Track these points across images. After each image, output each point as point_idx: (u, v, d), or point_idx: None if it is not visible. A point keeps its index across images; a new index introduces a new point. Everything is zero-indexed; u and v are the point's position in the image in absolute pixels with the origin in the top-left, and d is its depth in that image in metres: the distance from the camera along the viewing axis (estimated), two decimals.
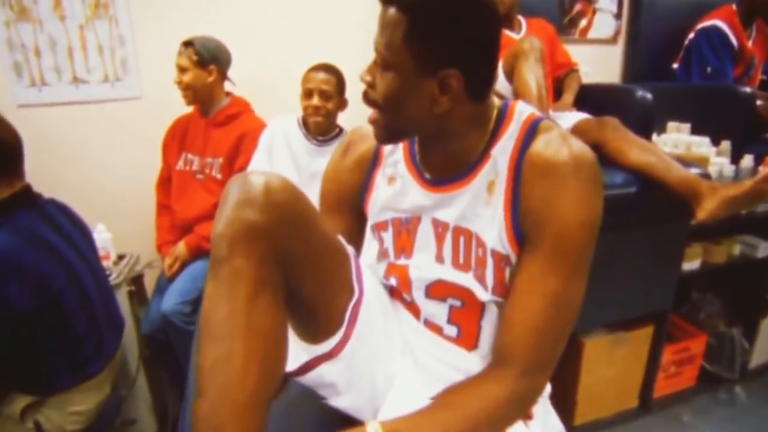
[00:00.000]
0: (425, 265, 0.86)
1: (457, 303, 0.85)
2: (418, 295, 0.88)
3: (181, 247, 1.82)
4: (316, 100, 1.70)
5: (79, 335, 1.22)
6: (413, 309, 0.90)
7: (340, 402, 0.84)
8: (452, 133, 0.78)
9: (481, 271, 0.80)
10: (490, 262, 0.79)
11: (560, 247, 0.73)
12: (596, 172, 0.74)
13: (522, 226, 0.75)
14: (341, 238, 0.84)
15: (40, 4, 1.93)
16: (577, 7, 2.73)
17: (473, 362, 0.84)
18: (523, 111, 0.80)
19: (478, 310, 0.83)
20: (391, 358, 0.88)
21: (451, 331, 0.86)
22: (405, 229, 0.87)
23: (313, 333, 0.79)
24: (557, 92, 2.23)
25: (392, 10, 0.69)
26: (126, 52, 2.05)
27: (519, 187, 0.75)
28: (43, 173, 2.15)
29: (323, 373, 0.79)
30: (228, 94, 1.95)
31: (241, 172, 0.74)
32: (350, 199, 0.95)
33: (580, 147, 0.74)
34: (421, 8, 0.67)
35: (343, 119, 1.90)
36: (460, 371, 0.83)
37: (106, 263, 1.94)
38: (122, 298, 1.80)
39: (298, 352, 0.78)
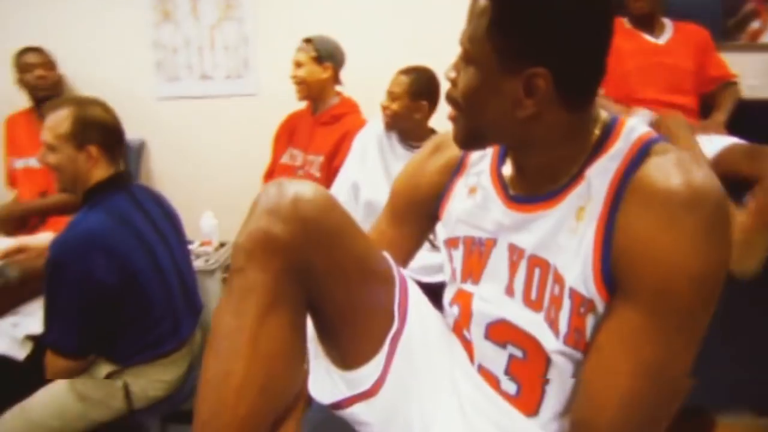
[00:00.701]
0: (492, 297, 0.73)
1: (519, 353, 0.70)
2: (477, 333, 0.75)
3: None
4: (383, 100, 1.67)
5: (154, 316, 1.29)
6: (469, 349, 0.77)
7: None
8: (539, 145, 0.65)
9: (555, 313, 0.65)
10: (566, 303, 0.63)
11: (661, 303, 0.56)
12: (721, 211, 0.56)
13: (614, 266, 0.59)
14: (389, 260, 0.74)
15: (180, 7, 2.14)
16: (748, 6, 2.27)
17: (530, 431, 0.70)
18: (635, 129, 0.64)
19: (541, 366, 0.68)
20: (433, 401, 0.76)
21: (510, 387, 0.71)
22: (477, 251, 0.76)
23: (343, 358, 0.71)
24: (706, 110, 1.87)
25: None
26: (248, 52, 2.18)
27: (615, 218, 0.59)
28: (167, 158, 2.41)
29: (357, 412, 0.70)
30: (338, 94, 1.97)
31: (277, 179, 0.69)
32: (425, 204, 0.85)
33: (703, 176, 0.57)
34: None
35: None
36: None
37: (207, 248, 2.09)
38: (215, 283, 1.90)
39: (331, 382, 0.71)
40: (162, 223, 1.37)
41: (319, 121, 1.93)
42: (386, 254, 0.75)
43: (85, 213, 1.23)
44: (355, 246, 0.68)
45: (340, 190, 1.70)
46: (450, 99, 0.68)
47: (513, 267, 0.70)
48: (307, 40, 1.86)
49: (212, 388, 0.60)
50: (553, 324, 0.65)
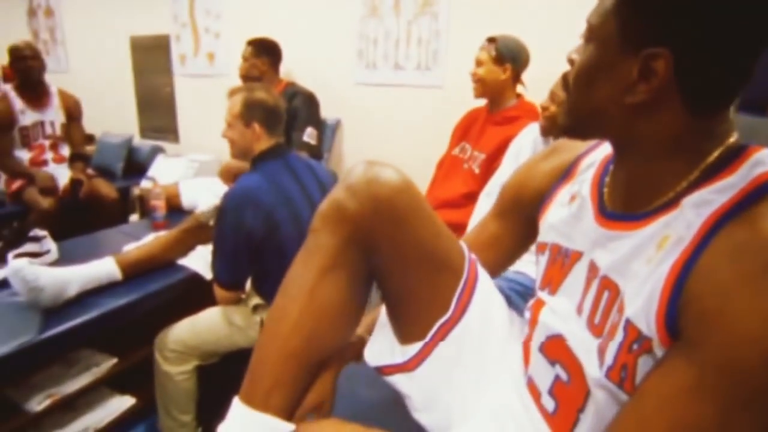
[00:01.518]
0: (562, 311, 0.70)
1: (564, 375, 0.68)
2: (535, 344, 0.74)
3: None
4: (544, 100, 1.61)
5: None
6: (527, 358, 0.77)
7: (416, 416, 0.82)
8: (644, 147, 0.59)
9: (606, 342, 0.60)
10: (620, 334, 0.58)
11: (724, 369, 0.48)
12: None
13: (681, 311, 0.52)
14: (464, 253, 0.77)
15: (386, 3, 2.36)
16: None
17: None
18: (763, 162, 0.53)
19: (581, 395, 0.64)
20: (476, 397, 0.80)
21: (549, 404, 0.70)
22: (561, 261, 0.73)
23: (400, 331, 0.78)
24: None
25: None
26: (438, 45, 2.30)
27: (699, 259, 0.51)
28: (357, 136, 2.71)
29: (397, 382, 0.78)
30: (518, 96, 1.96)
31: (368, 160, 0.76)
32: (528, 205, 0.84)
33: None
34: None
35: None
36: None
37: None
38: None
39: (386, 348, 0.80)
40: (311, 187, 1.60)
41: (492, 120, 1.95)
42: (464, 247, 0.79)
43: (248, 174, 1.51)
44: (421, 232, 0.72)
45: (492, 189, 1.72)
46: (564, 80, 0.64)
47: (587, 285, 0.67)
48: (491, 39, 1.88)
49: (272, 321, 0.73)
50: (601, 353, 0.61)
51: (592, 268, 0.66)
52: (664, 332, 0.53)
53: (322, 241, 0.71)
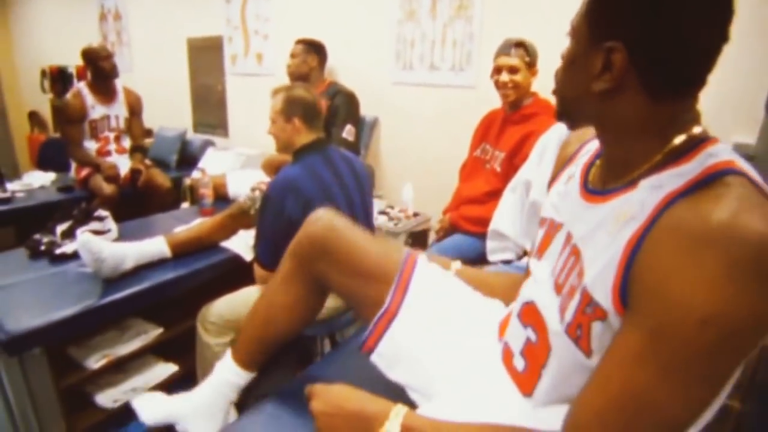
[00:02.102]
0: (540, 276, 0.78)
1: (533, 336, 0.76)
2: (514, 312, 0.84)
3: (446, 219, 2.08)
4: None
5: None
6: (503, 329, 0.90)
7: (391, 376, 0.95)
8: (614, 129, 0.66)
9: (566, 301, 0.68)
10: (577, 297, 0.65)
11: (662, 338, 0.53)
12: (758, 259, 0.49)
13: (629, 285, 0.58)
14: (403, 254, 1.01)
15: (423, 7, 2.45)
16: None
17: (520, 410, 0.76)
18: (716, 154, 0.58)
19: (545, 352, 0.72)
20: (437, 363, 0.90)
21: (520, 364, 0.79)
22: (550, 232, 0.81)
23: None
24: None
25: None
26: (472, 47, 2.37)
27: (647, 236, 0.57)
28: (393, 133, 2.82)
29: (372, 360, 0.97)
30: (533, 94, 2.00)
31: (318, 211, 1.12)
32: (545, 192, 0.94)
33: (752, 216, 0.51)
34: None
35: None
36: (502, 412, 0.76)
37: (402, 215, 2.42)
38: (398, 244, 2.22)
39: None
40: (348, 179, 1.71)
41: (511, 119, 2.00)
42: (402, 250, 1.03)
43: (290, 166, 1.64)
44: (348, 256, 1.01)
45: (515, 186, 1.77)
46: (555, 74, 0.72)
47: (562, 251, 0.74)
48: (519, 44, 1.91)
49: (251, 311, 1.15)
50: (562, 311, 0.68)
51: (568, 237, 0.73)
52: (618, 303, 0.59)
53: (284, 264, 1.12)
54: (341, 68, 2.92)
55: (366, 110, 2.77)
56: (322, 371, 1.22)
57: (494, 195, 1.88)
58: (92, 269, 1.54)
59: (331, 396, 0.79)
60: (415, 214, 2.44)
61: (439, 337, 0.92)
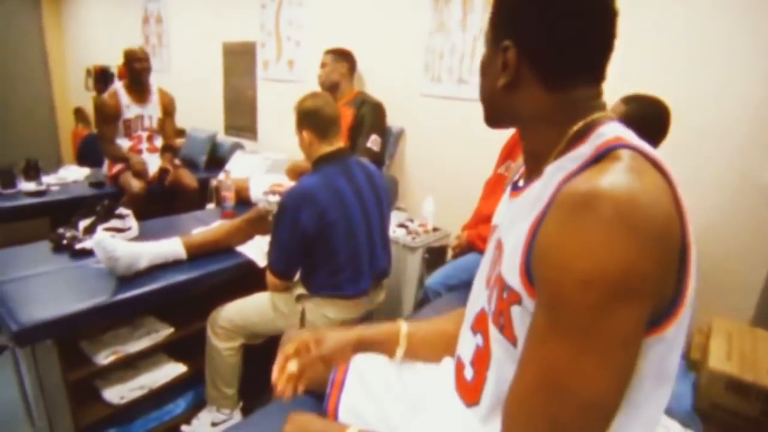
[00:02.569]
0: (480, 277, 0.81)
1: (480, 341, 0.74)
2: (466, 326, 0.83)
3: (463, 236, 2.03)
4: None
5: (338, 263, 1.62)
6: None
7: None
8: (524, 122, 0.71)
9: (491, 293, 0.71)
10: (497, 285, 0.68)
11: (557, 308, 0.55)
12: (622, 210, 0.51)
13: (531, 265, 0.60)
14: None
15: (453, 18, 2.42)
16: None
17: (463, 422, 0.76)
18: (604, 134, 0.61)
19: (488, 353, 0.71)
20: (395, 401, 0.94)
21: (469, 373, 0.77)
22: (490, 237, 0.84)
23: None
24: None
25: None
26: None
27: (543, 220, 0.59)
28: (418, 145, 2.79)
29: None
30: None
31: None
32: None
33: (624, 178, 0.53)
34: None
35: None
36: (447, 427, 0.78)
37: (421, 229, 2.39)
38: (416, 259, 2.18)
39: None
40: (366, 192, 1.68)
41: None
42: None
43: (308, 176, 1.63)
44: None
45: None
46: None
47: (493, 250, 0.77)
48: None
49: None
50: (489, 302, 0.71)
51: (497, 234, 0.77)
52: (527, 284, 0.61)
53: None
54: (370, 78, 2.92)
55: (393, 121, 2.75)
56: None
57: None
58: (106, 267, 1.57)
59: (301, 421, 0.89)
60: (435, 229, 2.40)
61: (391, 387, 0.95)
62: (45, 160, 3.41)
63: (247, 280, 1.83)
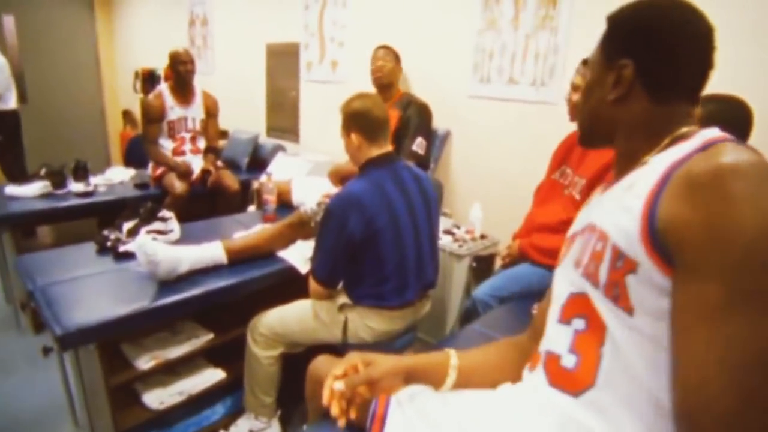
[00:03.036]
0: (567, 272, 0.83)
1: (581, 325, 0.75)
2: (552, 318, 0.83)
3: (514, 246, 1.92)
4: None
5: (385, 272, 1.54)
6: (534, 360, 0.87)
7: None
8: (625, 129, 0.79)
9: (595, 266, 0.73)
10: (607, 256, 0.71)
11: (740, 279, 0.56)
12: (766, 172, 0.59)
13: (663, 239, 0.62)
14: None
15: (504, 16, 2.31)
16: None
17: (578, 411, 0.72)
18: (708, 134, 0.70)
19: (600, 331, 0.71)
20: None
21: (570, 361, 0.75)
22: (577, 238, 0.86)
23: None
24: None
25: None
26: (556, 61, 2.19)
27: (663, 191, 0.64)
28: (465, 149, 2.68)
29: None
30: None
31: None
32: None
33: (749, 153, 0.61)
34: (617, 16, 0.81)
35: None
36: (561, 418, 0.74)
37: (468, 236, 2.28)
38: (463, 268, 2.08)
39: None
40: (415, 198, 1.60)
41: None
42: None
43: (356, 180, 1.56)
44: None
45: None
46: (569, 100, 0.89)
47: (584, 240, 0.80)
48: (585, 62, 1.71)
49: None
50: (592, 276, 0.73)
51: (589, 225, 0.80)
52: (655, 255, 0.63)
53: None
54: (415, 78, 2.83)
55: (438, 123, 2.66)
56: None
57: (571, 224, 1.70)
58: (147, 271, 1.55)
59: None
60: (482, 237, 2.29)
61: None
62: (94, 161, 3.50)
63: (289, 286, 1.78)
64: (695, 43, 0.73)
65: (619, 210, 0.71)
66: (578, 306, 0.76)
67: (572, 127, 1.97)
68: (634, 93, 0.76)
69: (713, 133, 0.70)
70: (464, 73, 2.56)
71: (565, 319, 0.79)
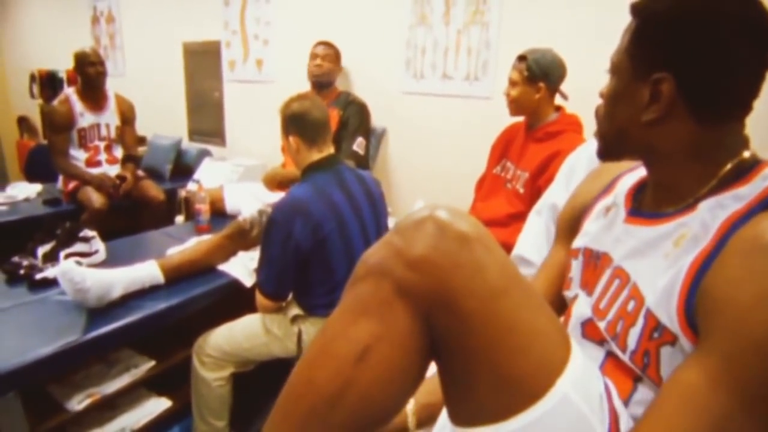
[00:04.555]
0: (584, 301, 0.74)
1: (603, 354, 0.69)
2: (575, 335, 0.72)
3: None
4: None
5: (336, 279, 1.49)
6: None
7: None
8: (663, 155, 0.65)
9: (623, 328, 0.63)
10: (640, 322, 0.61)
11: (736, 358, 0.50)
12: None
13: (696, 305, 0.55)
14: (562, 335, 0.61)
15: (435, 12, 2.32)
16: None
17: None
18: None
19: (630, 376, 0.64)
20: None
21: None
22: (593, 263, 0.76)
23: (459, 413, 0.61)
24: None
25: (631, 18, 0.66)
26: (488, 56, 2.23)
27: (716, 258, 0.55)
28: (402, 146, 2.67)
29: None
30: (558, 109, 1.86)
31: (434, 208, 0.60)
32: (578, 223, 0.86)
33: None
34: (647, 9, 0.63)
35: None
36: None
37: None
38: None
39: None
40: (361, 200, 1.56)
41: (533, 137, 1.85)
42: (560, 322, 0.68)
43: (298, 186, 1.49)
44: (515, 306, 0.55)
45: (541, 209, 1.63)
46: (596, 112, 0.72)
47: (602, 275, 0.71)
48: (521, 58, 1.77)
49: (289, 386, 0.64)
50: (618, 339, 0.64)
51: (607, 260, 0.71)
52: (686, 326, 0.56)
53: (372, 302, 0.58)
54: (356, 75, 2.77)
55: (373, 120, 2.62)
56: None
57: (518, 218, 1.74)
58: (74, 300, 1.38)
59: None
60: None
61: None
62: None
63: (234, 301, 1.67)
64: (755, 44, 0.58)
65: (661, 270, 0.60)
66: (594, 332, 0.69)
67: (509, 120, 2.02)
68: (676, 113, 0.61)
69: None
70: (397, 69, 2.54)
71: (593, 337, 0.70)
